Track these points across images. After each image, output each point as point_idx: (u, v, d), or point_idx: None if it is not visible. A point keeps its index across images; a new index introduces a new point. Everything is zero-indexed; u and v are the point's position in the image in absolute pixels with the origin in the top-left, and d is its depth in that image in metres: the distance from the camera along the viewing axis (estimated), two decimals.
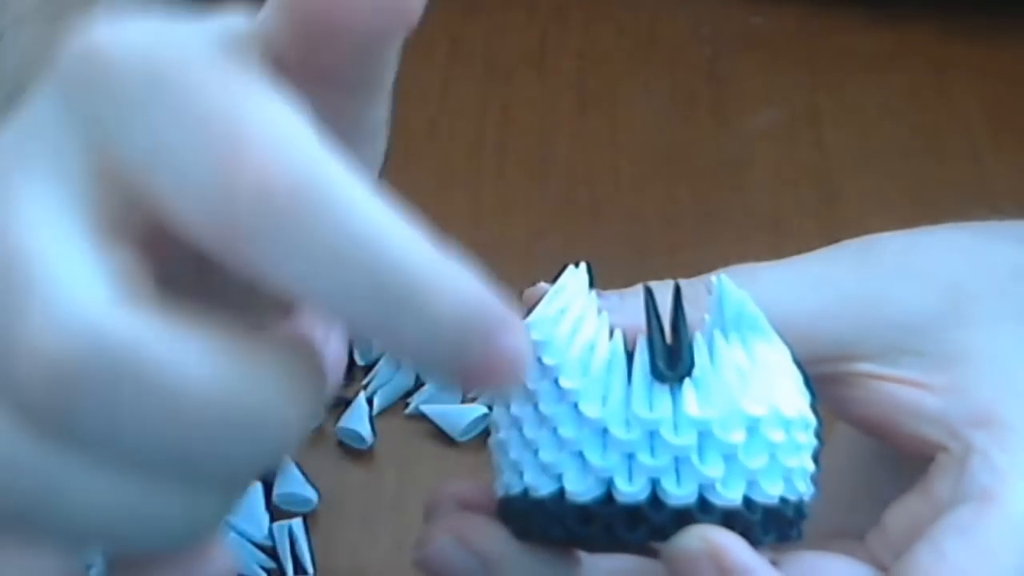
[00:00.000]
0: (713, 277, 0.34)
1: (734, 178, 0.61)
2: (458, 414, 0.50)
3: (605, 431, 0.31)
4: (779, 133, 0.63)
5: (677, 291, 0.32)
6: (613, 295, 0.35)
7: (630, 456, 0.31)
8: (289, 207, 0.26)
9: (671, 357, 0.31)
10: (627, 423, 0.31)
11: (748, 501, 0.31)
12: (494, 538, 0.33)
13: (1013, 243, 0.38)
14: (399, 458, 0.50)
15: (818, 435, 0.33)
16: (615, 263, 0.56)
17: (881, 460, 0.38)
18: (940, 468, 0.35)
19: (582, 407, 0.31)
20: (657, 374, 0.31)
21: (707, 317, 0.33)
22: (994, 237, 0.38)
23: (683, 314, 0.32)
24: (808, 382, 0.33)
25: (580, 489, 0.31)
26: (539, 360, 0.32)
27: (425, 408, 0.51)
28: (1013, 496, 0.34)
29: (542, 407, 0.32)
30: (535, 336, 0.32)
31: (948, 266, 0.37)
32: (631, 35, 0.69)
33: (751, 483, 0.31)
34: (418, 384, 0.52)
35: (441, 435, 0.50)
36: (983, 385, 0.35)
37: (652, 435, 0.31)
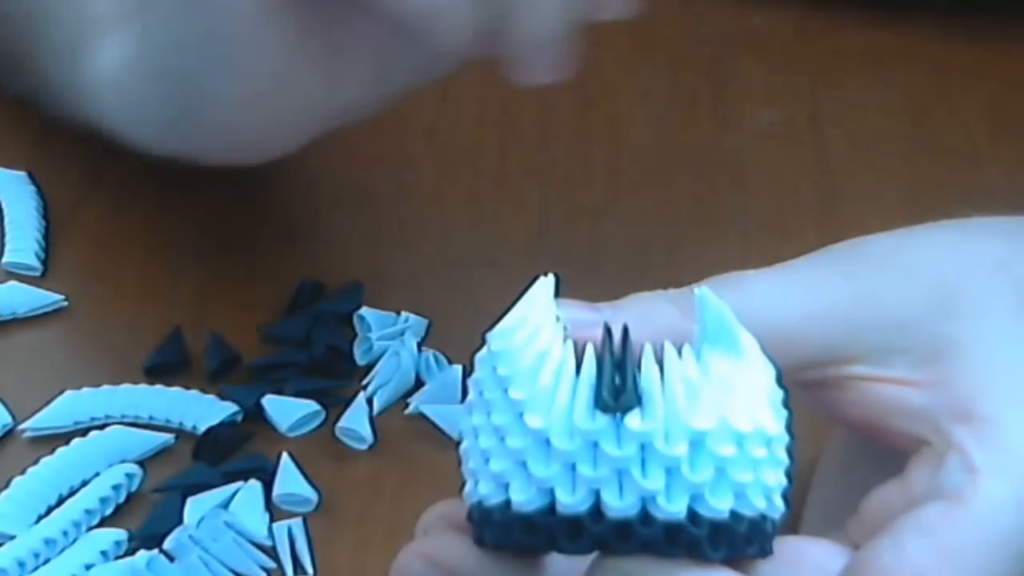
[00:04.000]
0: (696, 289, 0.34)
1: (734, 178, 0.61)
2: (458, 414, 0.50)
3: (548, 442, 0.31)
4: (779, 133, 0.63)
5: (625, 331, 0.32)
6: (607, 308, 0.35)
7: (572, 467, 0.31)
8: None
9: (619, 389, 0.31)
10: (570, 434, 0.31)
11: (694, 515, 0.31)
12: (463, 554, 0.33)
13: (997, 238, 0.38)
14: (399, 458, 0.50)
15: (789, 452, 0.33)
16: (615, 263, 0.56)
17: (876, 464, 0.38)
18: (919, 460, 0.35)
19: (526, 417, 0.31)
20: (601, 404, 0.31)
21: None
22: (979, 232, 0.38)
23: (629, 351, 0.31)
24: (787, 401, 0.33)
25: (524, 499, 0.31)
26: (494, 370, 0.32)
27: (425, 408, 0.51)
28: (985, 497, 0.33)
29: (493, 417, 0.32)
30: (494, 346, 0.32)
31: (934, 263, 0.37)
32: (631, 35, 0.69)
33: (696, 497, 0.31)
34: (418, 384, 0.52)
35: (441, 435, 0.50)
36: (967, 378, 0.35)
37: (594, 446, 0.31)
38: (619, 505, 0.31)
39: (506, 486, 0.32)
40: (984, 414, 0.34)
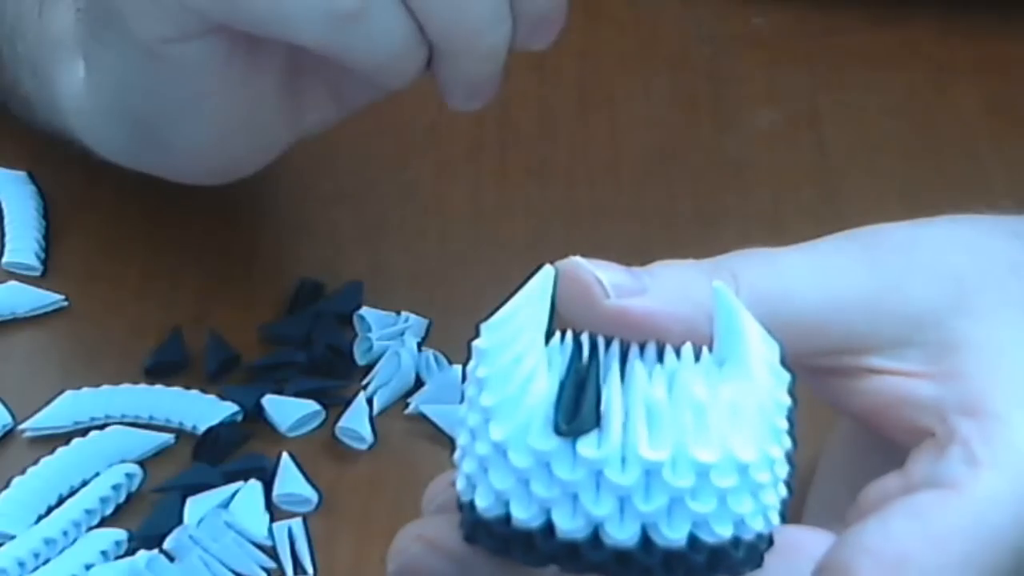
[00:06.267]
0: (715, 283, 0.33)
1: (734, 178, 0.61)
2: (458, 414, 0.50)
3: (506, 454, 0.30)
4: (779, 133, 0.63)
5: (594, 345, 0.32)
6: (642, 272, 0.35)
7: (526, 483, 0.30)
8: None
9: (575, 411, 0.30)
10: (526, 451, 0.30)
11: (647, 541, 0.30)
12: (458, 537, 0.32)
13: (1010, 238, 0.38)
14: (399, 458, 0.50)
15: (790, 460, 0.32)
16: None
17: (879, 459, 0.38)
18: (921, 451, 0.35)
19: (490, 425, 0.31)
20: (557, 428, 0.30)
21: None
22: (992, 231, 0.38)
23: (596, 368, 0.31)
24: (790, 413, 0.32)
25: (485, 505, 0.31)
26: (476, 368, 0.32)
27: (425, 408, 0.51)
28: (981, 489, 0.33)
29: (470, 417, 0.31)
30: (479, 343, 0.32)
31: (951, 259, 0.37)
32: (631, 35, 0.69)
33: (650, 525, 0.30)
34: (418, 384, 0.52)
35: (441, 435, 0.50)
36: (977, 374, 0.35)
37: (547, 466, 0.30)
38: (568, 527, 0.30)
39: (474, 487, 0.31)
40: (992, 410, 0.34)
